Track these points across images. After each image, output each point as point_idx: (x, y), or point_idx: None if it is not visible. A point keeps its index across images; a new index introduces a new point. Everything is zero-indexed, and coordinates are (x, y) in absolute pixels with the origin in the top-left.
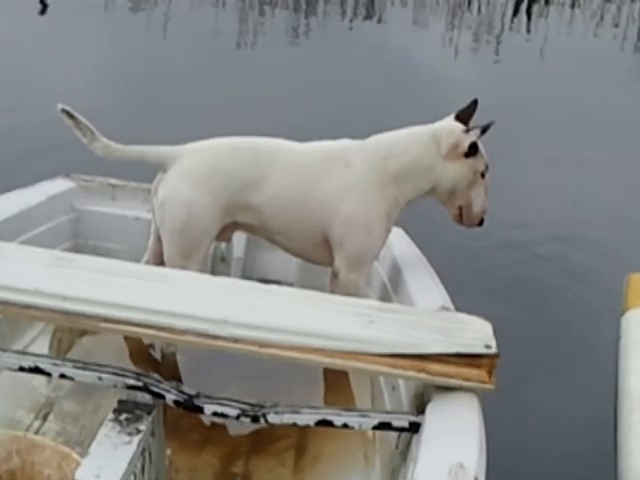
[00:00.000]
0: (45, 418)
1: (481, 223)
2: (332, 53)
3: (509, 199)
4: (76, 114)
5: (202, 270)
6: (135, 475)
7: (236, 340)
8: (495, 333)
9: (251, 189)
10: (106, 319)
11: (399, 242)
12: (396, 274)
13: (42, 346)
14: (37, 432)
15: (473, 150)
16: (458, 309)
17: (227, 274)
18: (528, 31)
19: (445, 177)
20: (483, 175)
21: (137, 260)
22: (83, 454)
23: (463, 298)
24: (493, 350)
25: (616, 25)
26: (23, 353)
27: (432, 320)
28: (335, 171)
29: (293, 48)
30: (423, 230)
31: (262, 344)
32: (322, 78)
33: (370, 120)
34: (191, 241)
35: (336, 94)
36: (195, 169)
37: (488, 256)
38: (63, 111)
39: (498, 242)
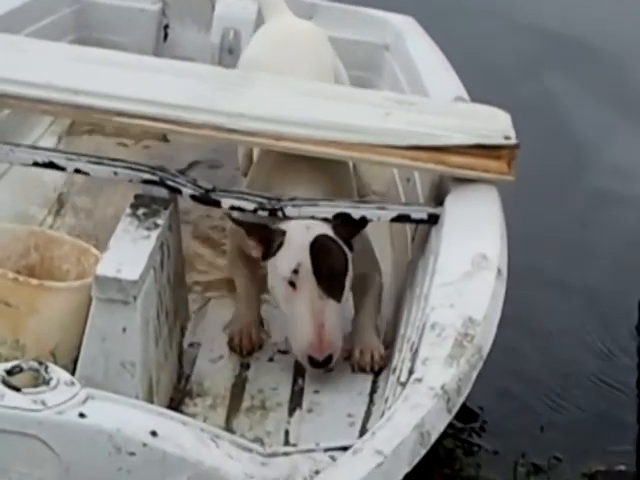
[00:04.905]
0: (58, 213)
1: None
2: None
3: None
4: None
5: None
6: (155, 269)
7: (252, 134)
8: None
9: None
10: (120, 113)
11: (411, 32)
12: (408, 65)
13: (51, 143)
14: (51, 227)
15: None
16: (473, 100)
17: (234, 66)
18: None
19: None
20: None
21: (142, 53)
22: (98, 247)
23: (477, 89)
24: (513, 141)
25: None
26: (37, 148)
27: (450, 111)
28: None
29: None
30: (435, 18)
31: (278, 137)
32: None
33: None
34: None
35: None
36: None
37: (503, 51)
38: None
39: (514, 32)
